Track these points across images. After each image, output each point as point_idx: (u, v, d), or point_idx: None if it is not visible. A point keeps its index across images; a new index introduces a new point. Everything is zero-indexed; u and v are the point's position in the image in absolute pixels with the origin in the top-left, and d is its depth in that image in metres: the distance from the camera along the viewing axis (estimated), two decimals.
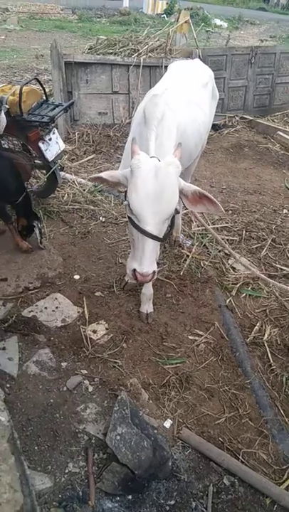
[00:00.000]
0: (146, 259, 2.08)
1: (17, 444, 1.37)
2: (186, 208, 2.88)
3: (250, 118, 7.36)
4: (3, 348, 2.59)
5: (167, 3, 20.63)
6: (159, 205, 2.01)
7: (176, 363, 2.73)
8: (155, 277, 2.17)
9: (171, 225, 2.33)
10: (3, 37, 12.86)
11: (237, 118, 7.30)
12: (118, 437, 2.07)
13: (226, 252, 3.86)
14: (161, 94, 2.41)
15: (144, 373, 2.65)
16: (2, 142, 3.91)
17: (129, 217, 2.13)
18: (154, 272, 2.12)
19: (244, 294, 3.38)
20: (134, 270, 2.10)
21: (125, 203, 2.11)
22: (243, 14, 22.69)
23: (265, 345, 2.93)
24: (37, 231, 3.46)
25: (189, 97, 2.84)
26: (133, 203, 2.03)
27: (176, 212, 2.15)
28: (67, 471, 2.06)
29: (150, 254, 2.09)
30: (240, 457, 2.25)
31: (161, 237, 2.11)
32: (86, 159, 5.47)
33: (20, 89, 3.47)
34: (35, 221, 3.47)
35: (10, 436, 1.35)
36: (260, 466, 2.24)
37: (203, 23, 15.98)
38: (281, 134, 6.73)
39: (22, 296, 3.09)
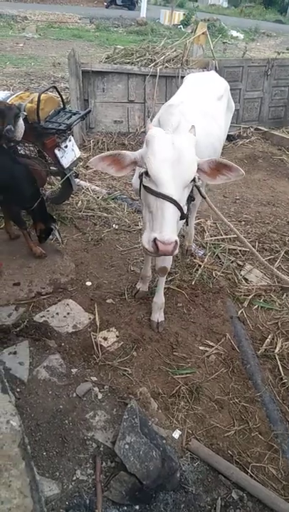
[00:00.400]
0: (167, 226, 1.88)
1: (28, 449, 1.38)
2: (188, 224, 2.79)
3: (265, 129, 7.36)
4: (15, 353, 2.60)
5: (184, 14, 20.86)
6: (178, 169, 1.91)
7: (186, 374, 2.72)
8: (177, 251, 1.95)
9: (186, 214, 2.20)
10: (21, 45, 13.07)
11: (252, 129, 7.30)
12: (127, 446, 2.06)
13: (239, 262, 3.86)
14: (177, 105, 2.42)
15: (154, 382, 2.64)
16: (18, 148, 3.96)
17: (145, 187, 1.98)
18: (176, 243, 1.89)
19: (256, 306, 3.36)
20: (155, 240, 1.88)
21: (141, 171, 2.02)
22: (259, 26, 22.81)
23: (277, 358, 2.90)
24: (56, 233, 3.53)
25: (205, 110, 2.85)
26: (151, 166, 1.92)
27: (191, 200, 2.09)
28: (74, 478, 2.05)
29: (171, 221, 1.90)
30: (250, 471, 2.23)
31: (181, 205, 1.95)
32: None
33: (39, 97, 3.52)
34: (53, 224, 3.52)
35: (21, 441, 1.35)
36: (269, 481, 2.21)
37: (220, 35, 16.06)
38: None
39: (34, 301, 3.11)
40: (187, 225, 2.52)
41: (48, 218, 3.52)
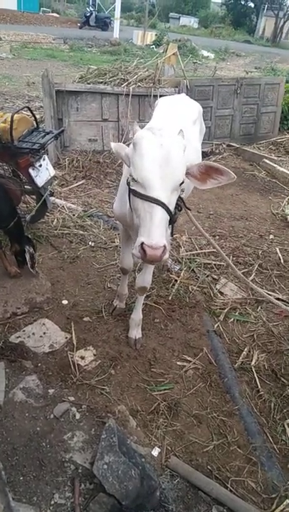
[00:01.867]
0: (155, 230, 1.79)
1: (2, 475, 1.35)
2: (174, 234, 2.85)
3: (237, 146, 7.55)
4: None
5: (156, 35, 21.37)
6: (166, 170, 1.83)
7: (165, 390, 2.72)
8: (166, 256, 1.83)
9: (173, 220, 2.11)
10: None
11: (224, 145, 7.48)
12: (105, 466, 2.04)
13: (214, 276, 3.91)
14: (159, 129, 2.45)
15: (132, 400, 2.63)
16: None
17: (132, 190, 1.90)
18: (165, 248, 1.79)
19: (232, 319, 3.41)
20: (142, 244, 1.78)
21: (127, 172, 1.95)
22: (229, 46, 23.59)
23: (253, 370, 2.94)
24: (27, 256, 3.39)
25: (185, 135, 2.87)
26: (138, 168, 1.84)
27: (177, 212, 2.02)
28: (53, 502, 2.01)
29: (159, 225, 1.80)
30: (229, 486, 2.23)
31: (170, 208, 1.86)
32: (76, 185, 5.54)
33: (12, 117, 3.54)
34: (27, 246, 3.44)
35: None
36: (249, 495, 2.22)
37: (190, 55, 16.53)
38: (267, 161, 6.92)
39: (9, 322, 3.07)
40: (172, 235, 2.49)
41: (23, 239, 3.44)
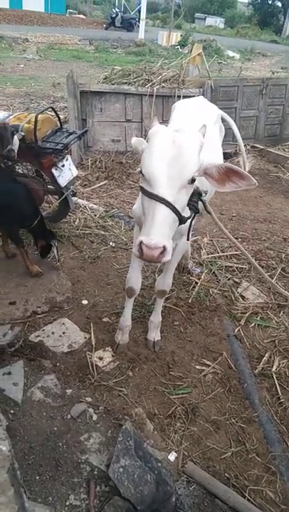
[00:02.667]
0: (156, 229, 1.72)
1: (17, 475, 1.35)
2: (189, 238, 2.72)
3: (261, 147, 7.44)
4: (9, 373, 2.58)
5: (181, 35, 21.30)
6: (175, 168, 1.76)
7: (183, 394, 2.69)
8: (167, 258, 1.75)
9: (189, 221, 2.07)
10: (22, 66, 13.31)
11: (248, 147, 7.38)
12: (121, 469, 2.02)
13: (236, 280, 3.85)
14: (183, 131, 2.41)
15: (150, 403, 2.60)
16: (16, 167, 4.00)
17: (141, 188, 1.85)
18: (164, 248, 1.71)
19: (253, 324, 3.34)
20: (141, 243, 1.72)
21: (138, 170, 1.89)
22: (255, 46, 23.30)
23: (274, 376, 2.87)
24: (54, 250, 3.52)
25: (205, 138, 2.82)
26: (146, 165, 1.79)
27: (194, 211, 1.93)
28: (68, 503, 2.01)
29: (161, 224, 1.73)
30: (247, 495, 2.18)
31: (177, 207, 1.78)
32: (98, 185, 5.56)
33: (36, 117, 3.57)
34: (53, 240, 3.54)
35: (10, 466, 1.33)
36: (267, 505, 2.16)
37: (216, 55, 16.39)
38: None
39: (30, 321, 3.09)
40: (188, 239, 2.40)
41: (47, 235, 3.54)
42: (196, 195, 2.01)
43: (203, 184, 2.08)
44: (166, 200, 1.74)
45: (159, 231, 1.73)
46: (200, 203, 2.06)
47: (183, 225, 2.35)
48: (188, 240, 2.38)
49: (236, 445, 2.43)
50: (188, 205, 1.95)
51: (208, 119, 3.03)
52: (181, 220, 1.84)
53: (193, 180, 1.83)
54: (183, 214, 1.84)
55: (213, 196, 5.50)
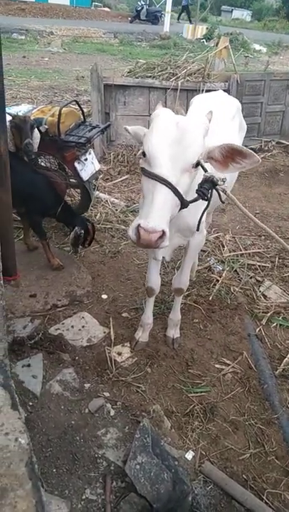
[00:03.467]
0: (154, 211, 1.62)
1: (35, 469, 1.35)
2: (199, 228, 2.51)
3: (287, 143, 7.28)
4: (28, 365, 2.60)
5: (207, 28, 21.00)
6: (178, 150, 1.68)
7: (201, 392, 2.66)
8: (165, 243, 1.64)
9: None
10: (46, 59, 13.37)
11: (273, 143, 7.23)
12: (138, 466, 2.01)
13: (258, 278, 3.78)
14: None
15: (168, 400, 2.59)
16: (39, 160, 4.01)
17: (142, 169, 1.76)
18: (163, 233, 1.61)
19: (275, 324, 3.28)
20: (138, 226, 1.62)
21: (139, 152, 1.83)
22: (283, 40, 22.76)
23: None
24: (72, 235, 3.42)
25: (221, 130, 2.75)
26: (148, 145, 1.71)
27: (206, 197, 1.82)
28: (84, 497, 2.01)
29: (161, 206, 1.64)
30: (265, 498, 2.14)
31: (179, 190, 1.69)
32: (120, 179, 5.54)
33: (60, 111, 3.56)
34: (77, 227, 3.42)
35: (28, 460, 1.33)
36: (285, 509, 2.12)
37: (242, 48, 16.11)
38: None
39: (50, 314, 3.11)
40: (198, 230, 2.24)
41: (76, 221, 3.46)
42: (209, 183, 1.88)
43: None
44: (167, 180, 1.65)
45: (158, 214, 1.63)
46: (215, 192, 1.98)
47: (191, 221, 2.25)
48: (197, 229, 2.27)
49: (255, 447, 2.39)
50: (197, 191, 1.85)
51: (225, 113, 2.95)
52: (183, 204, 1.74)
53: (197, 165, 1.76)
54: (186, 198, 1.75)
55: (236, 193, 5.40)
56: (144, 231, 1.60)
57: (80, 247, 3.59)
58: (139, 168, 1.76)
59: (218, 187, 1.90)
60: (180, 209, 1.78)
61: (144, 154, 1.75)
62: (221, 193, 1.94)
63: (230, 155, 1.85)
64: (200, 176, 1.90)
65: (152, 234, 1.59)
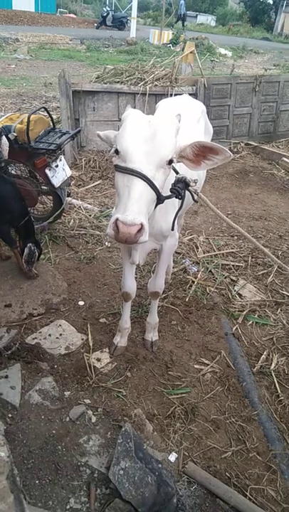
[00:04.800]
0: (133, 205, 1.61)
1: (16, 481, 1.33)
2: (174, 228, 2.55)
3: (255, 144, 7.44)
4: (6, 377, 2.55)
5: (173, 34, 21.24)
6: (151, 146, 1.70)
7: (182, 393, 2.67)
8: (145, 238, 1.63)
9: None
10: (13, 66, 13.22)
11: (242, 144, 7.38)
12: (121, 472, 2.00)
13: (232, 278, 3.84)
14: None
15: (149, 404, 2.59)
16: (9, 168, 3.97)
17: (115, 166, 1.76)
18: (141, 226, 1.60)
19: (251, 322, 3.34)
20: (116, 220, 1.60)
21: (112, 151, 1.83)
22: (247, 44, 23.30)
23: (273, 374, 2.87)
24: (26, 250, 3.33)
25: (186, 134, 2.77)
26: (122, 142, 1.73)
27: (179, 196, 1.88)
28: (68, 507, 1.99)
29: (138, 199, 1.63)
30: (248, 494, 2.17)
31: (155, 184, 1.70)
32: (92, 185, 5.53)
33: (28, 118, 3.54)
34: (30, 244, 3.35)
35: (9, 472, 1.30)
36: (268, 504, 2.15)
37: (208, 53, 16.36)
38: (286, 160, 6.78)
39: (26, 323, 3.06)
40: (172, 229, 2.29)
41: (32, 238, 3.41)
42: (182, 183, 1.96)
43: (192, 173, 2.05)
44: (142, 173, 1.66)
45: (136, 207, 1.62)
46: (187, 194, 2.02)
47: (164, 225, 2.30)
48: (172, 229, 2.31)
49: (236, 444, 2.42)
50: (171, 190, 1.91)
51: (191, 116, 2.98)
52: (159, 199, 1.77)
53: (170, 162, 1.78)
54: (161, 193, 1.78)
55: (208, 195, 5.48)
56: (122, 224, 1.58)
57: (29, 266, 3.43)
58: (113, 166, 1.78)
59: (190, 188, 1.96)
60: (156, 204, 1.80)
61: (116, 152, 1.76)
62: (193, 194, 1.99)
63: (201, 152, 1.89)
64: (172, 177, 1.94)
65: (131, 227, 1.58)
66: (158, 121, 1.79)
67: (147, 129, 1.73)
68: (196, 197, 2.07)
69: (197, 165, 1.93)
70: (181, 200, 2.05)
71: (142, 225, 1.60)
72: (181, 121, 1.96)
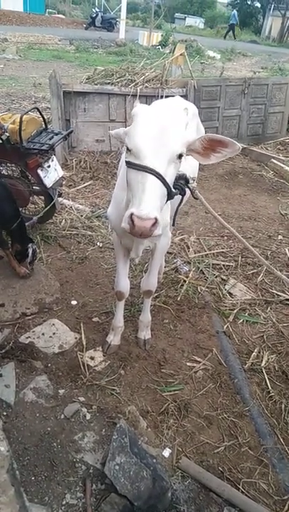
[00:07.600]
0: (146, 200, 1.68)
1: (16, 475, 1.35)
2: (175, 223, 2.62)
3: (244, 146, 7.52)
4: (0, 375, 2.57)
5: (162, 36, 21.34)
6: (162, 140, 1.75)
7: (175, 390, 2.71)
8: (159, 231, 1.70)
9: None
10: (1, 66, 13.14)
11: None
12: (117, 467, 2.04)
13: (223, 277, 3.90)
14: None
15: (142, 401, 2.62)
16: (1, 168, 3.97)
17: (127, 163, 1.80)
18: (156, 220, 1.67)
19: (241, 320, 3.39)
20: (132, 215, 1.67)
21: (123, 148, 1.88)
22: (235, 46, 23.47)
23: (263, 371, 2.92)
24: (30, 251, 3.39)
25: None
26: (133, 136, 1.78)
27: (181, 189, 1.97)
28: (64, 502, 2.01)
29: (152, 195, 1.70)
30: (241, 487, 2.22)
31: (167, 180, 1.76)
32: (83, 185, 5.54)
33: (21, 118, 3.55)
34: (29, 244, 3.44)
35: (9, 466, 1.33)
36: (260, 497, 2.20)
37: (197, 55, 16.48)
38: (274, 161, 6.88)
39: (19, 322, 3.08)
40: (173, 225, 2.39)
41: (25, 239, 3.46)
42: (183, 180, 2.03)
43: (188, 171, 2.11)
44: (155, 170, 1.72)
45: (151, 202, 1.69)
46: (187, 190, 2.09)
47: (161, 223, 2.37)
48: (173, 225, 2.37)
49: (229, 439, 2.47)
50: (174, 186, 1.94)
51: None
52: (170, 195, 1.82)
53: (180, 156, 1.83)
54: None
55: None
56: (138, 219, 1.65)
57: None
58: (126, 163, 1.82)
59: (189, 185, 2.05)
60: (167, 200, 1.86)
61: (128, 149, 1.81)
62: (191, 191, 2.07)
63: (210, 146, 1.94)
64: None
65: (146, 221, 1.65)
66: (167, 115, 1.83)
67: (158, 124, 1.77)
68: (195, 194, 2.14)
69: (206, 158, 1.97)
70: (181, 196, 2.12)
71: (156, 219, 1.67)
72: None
